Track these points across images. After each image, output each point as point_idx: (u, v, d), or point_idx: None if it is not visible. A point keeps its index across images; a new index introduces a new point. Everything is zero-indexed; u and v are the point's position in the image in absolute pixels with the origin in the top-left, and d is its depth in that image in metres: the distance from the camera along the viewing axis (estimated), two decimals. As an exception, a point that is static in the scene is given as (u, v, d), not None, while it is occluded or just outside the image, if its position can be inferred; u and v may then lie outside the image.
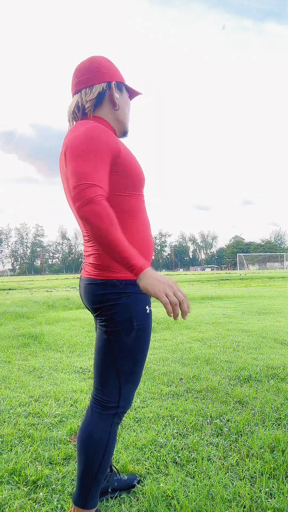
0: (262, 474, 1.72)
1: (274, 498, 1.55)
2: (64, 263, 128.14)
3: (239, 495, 1.57)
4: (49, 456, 1.89)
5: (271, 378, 3.09)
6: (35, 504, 1.54)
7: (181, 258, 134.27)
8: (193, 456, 1.88)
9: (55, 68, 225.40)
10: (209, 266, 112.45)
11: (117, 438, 1.89)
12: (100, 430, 1.29)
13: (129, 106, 1.44)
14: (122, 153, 1.23)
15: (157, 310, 7.63)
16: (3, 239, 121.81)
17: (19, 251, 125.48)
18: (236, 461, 1.84)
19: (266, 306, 8.12)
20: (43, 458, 1.87)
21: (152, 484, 1.64)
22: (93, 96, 1.31)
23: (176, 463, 1.84)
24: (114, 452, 1.90)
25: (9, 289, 17.72)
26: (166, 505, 1.52)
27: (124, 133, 1.44)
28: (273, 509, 1.48)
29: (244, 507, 1.51)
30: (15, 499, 1.57)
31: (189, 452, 1.92)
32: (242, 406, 2.50)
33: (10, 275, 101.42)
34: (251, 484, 1.65)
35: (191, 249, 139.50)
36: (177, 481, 1.67)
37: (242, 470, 1.76)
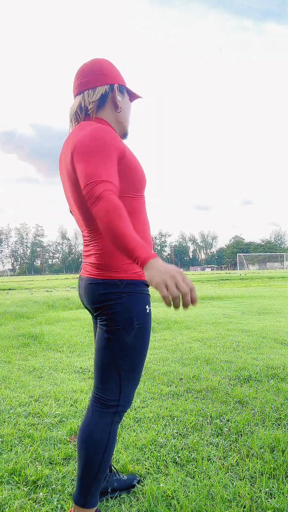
0: (262, 474, 1.72)
1: (274, 498, 1.55)
2: (64, 263, 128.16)
3: (239, 495, 1.57)
4: (49, 456, 1.89)
5: (271, 378, 3.09)
6: (35, 504, 1.54)
7: (181, 258, 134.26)
8: (193, 456, 1.88)
9: (55, 68, 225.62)
10: (209, 266, 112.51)
11: (117, 438, 1.89)
12: (100, 430, 1.29)
13: (130, 109, 1.46)
14: (127, 154, 1.25)
15: (157, 310, 7.63)
16: (3, 239, 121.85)
17: (19, 251, 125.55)
18: (236, 461, 1.84)
19: (266, 306, 8.12)
20: (43, 458, 1.87)
21: (152, 484, 1.64)
22: (96, 98, 1.33)
23: (176, 463, 1.84)
24: (114, 452, 1.90)
25: (9, 289, 17.72)
26: (166, 505, 1.52)
27: (124, 135, 1.47)
28: (273, 509, 1.48)
29: (244, 507, 1.51)
30: (15, 499, 1.57)
31: (189, 452, 1.92)
32: (242, 406, 2.50)
33: (10, 275, 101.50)
34: (251, 484, 1.65)
35: (191, 249, 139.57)
36: (177, 481, 1.67)
37: (242, 470, 1.76)
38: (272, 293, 11.93)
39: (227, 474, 1.74)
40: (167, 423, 2.25)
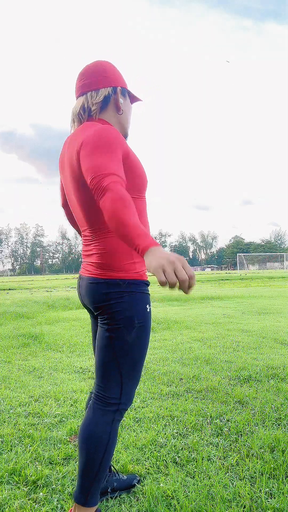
0: (262, 474, 1.72)
1: (274, 498, 1.55)
2: (64, 263, 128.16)
3: (239, 495, 1.57)
4: (49, 456, 1.89)
5: (271, 378, 3.09)
6: (35, 504, 1.54)
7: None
8: (193, 456, 1.88)
9: (55, 68, 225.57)
10: (209, 266, 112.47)
11: (117, 438, 1.89)
12: (101, 428, 1.31)
13: (131, 111, 1.49)
14: (131, 155, 1.28)
15: (157, 310, 7.63)
16: (3, 239, 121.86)
17: (19, 251, 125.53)
18: (236, 461, 1.84)
19: (266, 306, 8.12)
20: (43, 458, 1.87)
21: (152, 484, 1.65)
22: (99, 100, 1.35)
23: (176, 463, 1.84)
24: (114, 452, 1.90)
25: (9, 289, 17.73)
26: (166, 505, 1.52)
27: (124, 137, 1.48)
28: (273, 509, 1.48)
29: (244, 507, 1.51)
30: (15, 499, 1.57)
31: (189, 452, 1.92)
32: (242, 406, 2.50)
33: (10, 275, 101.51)
34: (251, 484, 1.65)
35: (191, 249, 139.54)
36: (177, 481, 1.67)
37: (242, 470, 1.76)
38: (272, 293, 11.94)
39: (227, 474, 1.74)
40: (167, 423, 2.25)
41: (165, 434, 2.11)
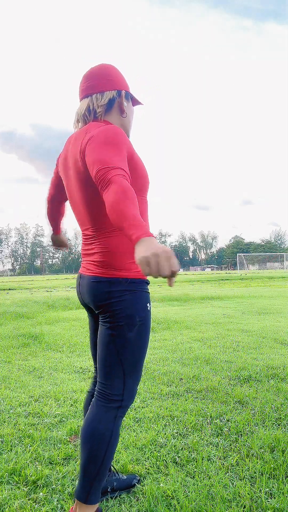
0: (262, 474, 1.72)
1: (274, 498, 1.55)
2: (64, 263, 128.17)
3: (239, 495, 1.57)
4: (49, 456, 1.89)
5: (271, 378, 3.09)
6: (35, 504, 1.54)
7: (181, 258, 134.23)
8: (193, 456, 1.88)
9: (55, 68, 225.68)
10: (209, 266, 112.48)
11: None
12: (103, 425, 1.32)
13: (133, 114, 1.51)
14: (135, 156, 1.30)
15: (157, 310, 7.64)
16: (3, 239, 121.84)
17: (19, 251, 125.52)
18: (236, 461, 1.84)
19: (266, 306, 8.12)
20: (43, 458, 1.87)
21: (152, 484, 1.64)
22: (104, 102, 1.37)
23: (176, 463, 1.84)
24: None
25: (9, 289, 17.73)
26: (166, 505, 1.52)
27: None
28: (273, 509, 1.48)
29: (244, 507, 1.51)
30: (15, 499, 1.57)
31: (189, 452, 1.92)
32: (242, 406, 2.50)
33: (10, 275, 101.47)
34: (251, 484, 1.65)
35: (191, 249, 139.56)
36: (177, 481, 1.67)
37: (242, 470, 1.76)
38: (272, 293, 11.93)
39: (227, 474, 1.74)
40: (167, 423, 2.25)
41: (165, 434, 2.11)
